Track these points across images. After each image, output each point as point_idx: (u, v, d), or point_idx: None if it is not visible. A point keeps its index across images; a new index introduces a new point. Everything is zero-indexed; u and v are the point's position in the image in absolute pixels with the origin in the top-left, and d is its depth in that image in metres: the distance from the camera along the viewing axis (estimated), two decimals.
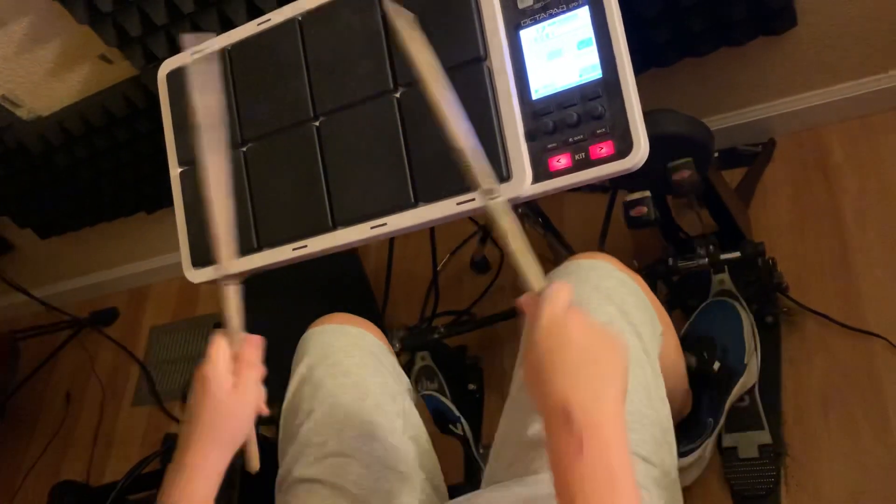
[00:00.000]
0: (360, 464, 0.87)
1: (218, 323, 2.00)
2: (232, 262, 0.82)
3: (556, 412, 0.59)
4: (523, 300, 0.67)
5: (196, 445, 0.74)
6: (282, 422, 0.97)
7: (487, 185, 0.71)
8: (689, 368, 1.14)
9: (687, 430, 1.14)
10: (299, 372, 0.97)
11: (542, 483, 0.76)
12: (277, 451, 0.97)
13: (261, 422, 1.47)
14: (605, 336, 0.63)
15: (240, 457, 0.80)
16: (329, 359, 0.95)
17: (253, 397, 0.78)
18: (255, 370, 0.78)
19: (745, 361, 1.20)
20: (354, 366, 0.95)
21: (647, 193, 1.03)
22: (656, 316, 0.91)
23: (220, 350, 0.78)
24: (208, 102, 0.86)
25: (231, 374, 0.77)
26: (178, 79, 0.99)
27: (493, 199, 0.71)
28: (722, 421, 1.17)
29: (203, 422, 0.75)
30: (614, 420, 0.59)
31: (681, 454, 1.12)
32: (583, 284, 0.88)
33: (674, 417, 1.12)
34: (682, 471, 1.14)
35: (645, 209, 1.04)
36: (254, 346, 0.80)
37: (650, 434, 0.80)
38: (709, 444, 1.15)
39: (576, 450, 0.57)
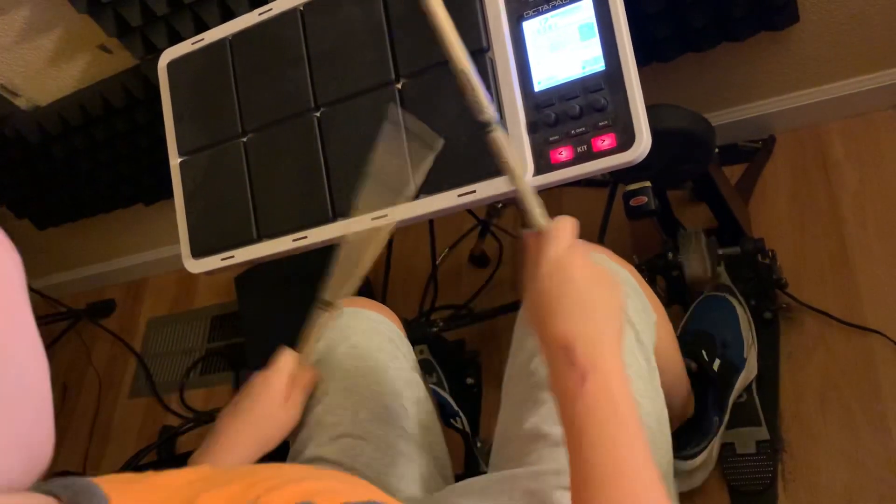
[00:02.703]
0: (372, 447, 0.87)
1: (216, 316, 1.99)
2: (337, 293, 0.88)
3: (557, 348, 0.61)
4: (527, 236, 0.69)
5: (233, 432, 0.83)
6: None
7: (487, 115, 0.73)
8: (689, 371, 1.14)
9: (693, 431, 1.13)
10: (317, 352, 0.97)
11: (542, 474, 0.76)
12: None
13: None
14: (604, 276, 0.66)
15: None
16: (347, 341, 0.96)
17: (298, 412, 0.88)
18: (304, 396, 0.89)
19: (745, 356, 1.20)
20: (373, 350, 0.96)
21: (648, 184, 1.03)
22: (650, 306, 0.91)
23: (287, 365, 0.87)
24: None
25: (285, 388, 0.86)
26: (178, 69, 0.99)
27: (492, 130, 0.73)
28: (726, 419, 1.17)
29: (250, 418, 0.84)
30: (613, 355, 0.62)
31: (689, 456, 1.11)
32: None
33: (677, 419, 1.13)
34: (689, 473, 1.14)
35: (645, 199, 1.04)
36: (312, 377, 0.90)
37: (645, 425, 0.79)
38: (715, 444, 1.15)
39: (578, 383, 0.59)
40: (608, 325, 0.63)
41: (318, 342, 0.91)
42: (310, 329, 0.89)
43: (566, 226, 0.67)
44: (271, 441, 0.85)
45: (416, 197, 0.84)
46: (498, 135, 0.73)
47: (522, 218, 0.71)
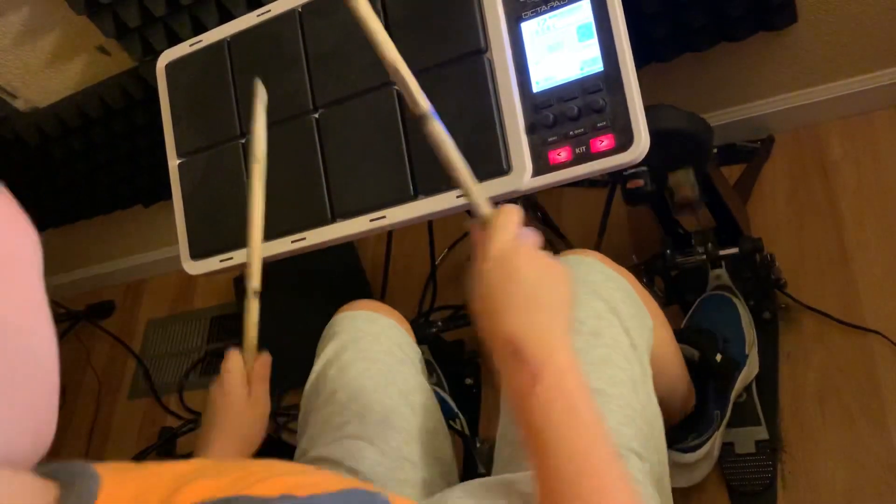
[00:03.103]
0: (377, 450, 0.87)
1: (215, 317, 1.99)
2: (257, 276, 0.87)
3: (506, 348, 0.59)
4: (472, 227, 0.67)
5: (215, 441, 0.82)
6: (303, 401, 0.97)
7: (421, 107, 0.68)
8: (691, 362, 1.14)
9: (694, 424, 1.13)
10: (326, 354, 0.97)
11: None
12: (279, 441, 0.97)
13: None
14: (551, 267, 0.63)
15: None
16: (358, 343, 0.96)
17: (265, 408, 0.87)
18: (266, 384, 0.88)
19: (747, 352, 1.20)
20: (382, 353, 0.95)
21: (644, 168, 1.02)
22: (647, 311, 0.91)
23: (237, 365, 0.86)
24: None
25: (245, 387, 0.86)
26: (176, 70, 0.99)
27: (427, 123, 0.67)
28: (728, 413, 1.17)
29: (224, 430, 0.83)
30: (564, 348, 0.59)
31: (690, 449, 1.11)
32: None
33: (678, 413, 1.13)
34: (691, 466, 1.13)
35: (641, 182, 1.03)
36: (265, 364, 0.88)
37: (639, 428, 0.79)
38: (717, 439, 1.15)
39: (530, 381, 0.57)
40: (556, 318, 0.61)
41: (255, 330, 0.89)
42: (245, 320, 0.88)
43: (510, 216, 0.64)
44: (252, 440, 0.85)
45: (416, 198, 0.84)
46: (433, 126, 0.68)
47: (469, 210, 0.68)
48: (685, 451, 1.11)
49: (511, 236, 0.63)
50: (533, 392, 0.57)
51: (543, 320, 0.60)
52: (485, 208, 0.66)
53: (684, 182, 1.04)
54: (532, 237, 0.64)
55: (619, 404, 0.79)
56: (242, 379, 0.86)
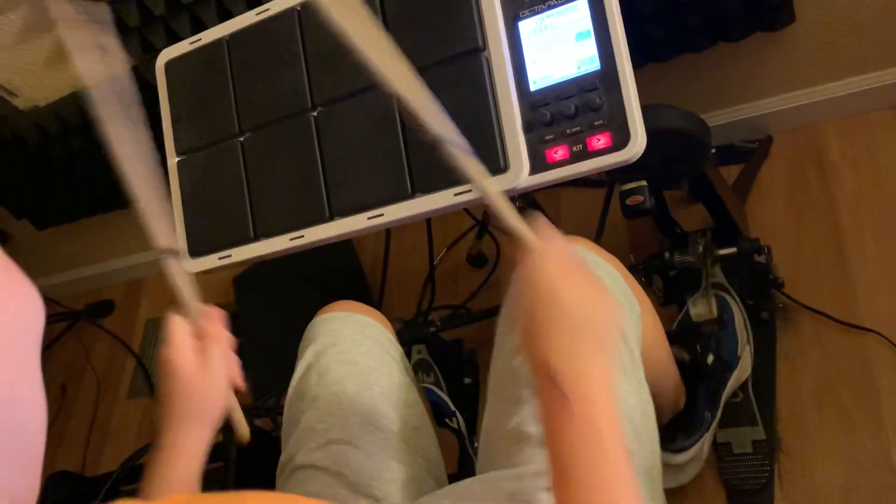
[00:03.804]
0: (362, 452, 0.87)
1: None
2: (165, 235, 0.79)
3: (542, 370, 0.60)
4: (511, 247, 0.66)
5: (171, 428, 0.74)
6: (286, 407, 0.97)
7: (439, 134, 0.66)
8: (682, 363, 1.14)
9: (684, 425, 1.14)
10: (306, 358, 0.97)
11: (524, 476, 0.75)
12: (277, 440, 0.97)
13: (255, 414, 1.47)
14: (598, 296, 0.63)
15: (232, 442, 0.79)
16: (336, 346, 0.95)
17: (222, 370, 0.77)
18: (220, 343, 0.77)
19: (739, 354, 1.21)
20: (362, 354, 0.95)
21: (644, 182, 1.03)
22: (634, 298, 0.90)
23: (178, 330, 0.76)
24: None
25: (195, 352, 0.76)
26: (176, 68, 0.99)
27: (447, 150, 0.66)
28: (718, 415, 1.17)
29: (175, 405, 0.74)
30: (599, 379, 0.59)
31: (679, 450, 1.12)
32: None
33: (668, 410, 1.13)
34: (679, 467, 1.14)
35: (641, 198, 1.04)
36: (214, 319, 0.79)
37: (628, 420, 0.79)
38: (706, 440, 1.15)
39: (561, 407, 0.58)
40: (597, 349, 0.60)
41: (189, 287, 0.81)
42: (173, 282, 0.80)
43: (556, 242, 0.64)
44: (216, 410, 0.77)
45: (414, 196, 0.84)
46: (456, 152, 0.67)
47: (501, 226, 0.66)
48: (674, 451, 1.11)
49: (556, 263, 0.62)
50: (562, 419, 0.58)
51: (583, 350, 0.60)
52: (527, 234, 0.64)
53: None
54: (578, 261, 0.64)
55: None
56: (187, 348, 0.75)
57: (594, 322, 0.61)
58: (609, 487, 0.56)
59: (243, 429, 0.82)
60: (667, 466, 1.12)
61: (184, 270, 0.80)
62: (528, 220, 0.65)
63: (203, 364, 0.75)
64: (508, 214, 0.65)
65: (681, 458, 1.12)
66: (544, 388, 0.60)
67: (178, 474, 0.74)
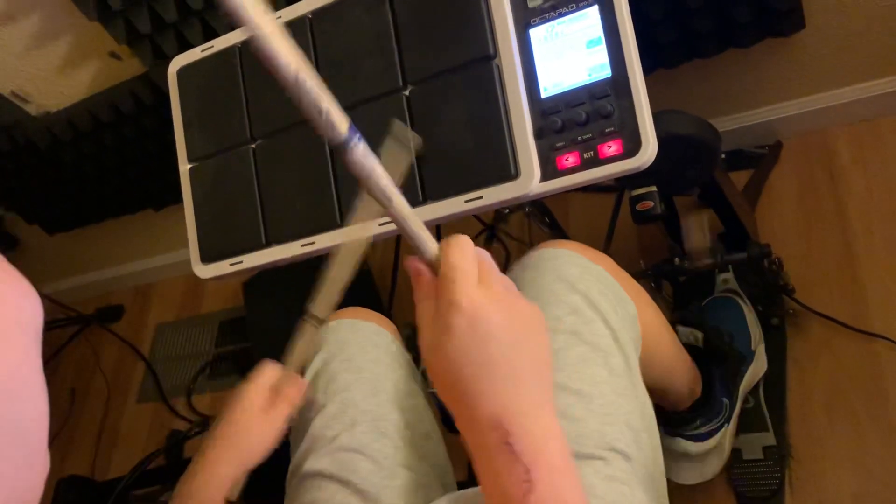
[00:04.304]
0: (370, 460, 0.87)
1: (224, 321, 1.99)
2: (327, 307, 0.81)
3: (489, 433, 0.48)
4: (412, 265, 0.54)
5: (212, 452, 0.80)
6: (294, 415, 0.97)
7: (339, 132, 0.50)
8: (696, 347, 1.12)
9: (703, 409, 1.11)
10: (314, 366, 0.97)
11: None
12: (287, 445, 0.97)
13: None
14: (524, 317, 0.52)
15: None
16: (344, 353, 0.96)
17: (278, 428, 0.82)
18: (287, 407, 0.82)
19: (753, 348, 1.20)
20: (369, 361, 0.96)
21: (654, 188, 1.03)
22: (628, 297, 0.87)
23: (264, 376, 0.82)
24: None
25: (264, 400, 0.81)
26: (187, 75, 1.00)
27: (349, 151, 0.50)
28: (738, 408, 1.15)
29: (224, 434, 0.80)
30: (555, 433, 0.50)
31: (698, 437, 1.10)
32: (545, 275, 0.84)
33: (683, 398, 1.11)
34: (701, 459, 1.12)
35: (651, 203, 1.04)
36: (299, 388, 0.84)
37: (626, 425, 0.76)
38: (727, 432, 1.13)
39: (522, 483, 0.47)
40: (543, 386, 0.51)
41: (304, 356, 0.86)
42: (295, 342, 0.84)
43: (468, 254, 0.51)
44: (253, 455, 0.80)
45: (424, 203, 0.84)
46: (359, 152, 0.51)
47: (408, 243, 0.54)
48: (693, 439, 1.10)
49: (474, 283, 0.50)
50: (527, 499, 0.47)
51: (532, 393, 0.50)
52: (431, 246, 0.53)
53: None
54: (493, 272, 0.53)
55: (601, 403, 0.76)
56: (262, 394, 0.81)
57: (533, 351, 0.52)
58: None
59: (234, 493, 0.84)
60: (687, 457, 1.11)
61: (310, 337, 0.83)
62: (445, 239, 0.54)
63: (266, 412, 0.81)
64: (413, 223, 0.53)
65: (701, 446, 1.09)
66: (494, 456, 0.49)
67: (204, 495, 0.78)
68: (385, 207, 0.51)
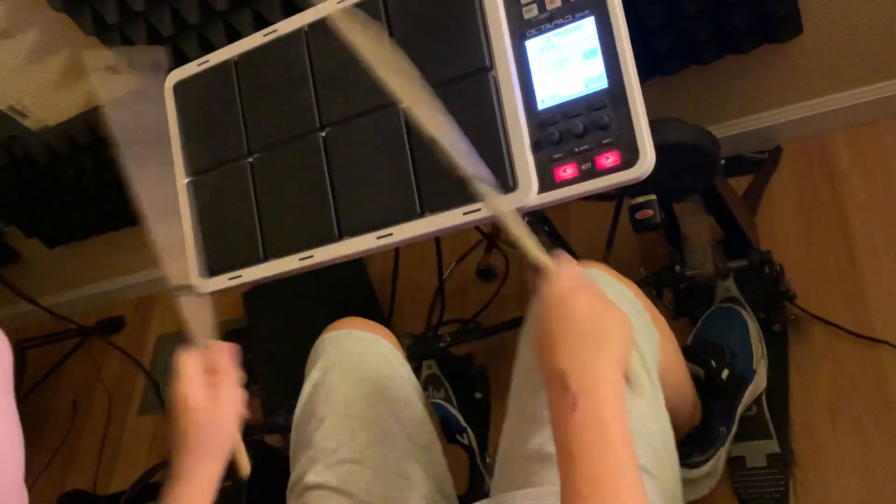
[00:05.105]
0: (371, 471, 0.87)
1: (225, 332, 1.98)
2: (179, 271, 0.82)
3: (554, 378, 0.63)
4: (532, 276, 0.70)
5: (185, 461, 0.76)
6: (294, 426, 0.97)
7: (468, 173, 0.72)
8: (696, 378, 1.14)
9: (699, 440, 1.13)
10: (313, 377, 0.97)
11: (545, 495, 0.75)
12: (288, 458, 0.96)
13: (266, 430, 1.47)
14: (608, 307, 0.66)
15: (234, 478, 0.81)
16: (343, 364, 0.95)
17: (231, 405, 0.79)
18: (229, 377, 0.79)
19: (754, 367, 1.20)
20: (369, 372, 0.95)
21: (653, 197, 1.03)
22: (653, 326, 0.90)
23: (188, 365, 0.78)
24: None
25: (205, 386, 0.77)
26: (184, 90, 1.00)
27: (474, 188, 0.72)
28: (734, 429, 1.16)
29: (188, 438, 0.76)
30: (610, 382, 0.62)
31: (694, 465, 1.11)
32: None
33: (684, 428, 1.12)
34: (694, 482, 1.13)
35: (651, 212, 1.04)
36: (224, 353, 0.80)
37: (649, 444, 0.79)
38: (721, 455, 1.14)
39: (570, 408, 0.61)
40: (605, 353, 0.64)
41: (201, 324, 0.82)
42: (184, 319, 0.81)
43: (572, 264, 0.68)
44: (223, 444, 0.79)
45: (423, 215, 0.84)
46: (484, 189, 0.73)
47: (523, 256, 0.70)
48: (690, 466, 1.10)
49: (570, 282, 0.66)
50: (571, 417, 0.61)
51: (591, 353, 0.63)
52: (544, 259, 0.69)
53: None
54: (592, 283, 0.67)
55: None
56: (198, 378, 0.77)
57: (605, 335, 0.65)
58: (613, 478, 0.59)
59: (245, 465, 0.82)
60: (683, 482, 1.11)
61: (196, 305, 0.81)
62: (551, 251, 0.69)
63: (213, 398, 0.77)
64: (527, 242, 0.69)
65: (696, 472, 1.11)
66: (554, 390, 0.63)
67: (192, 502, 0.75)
68: (507, 232, 0.71)
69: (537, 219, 1.28)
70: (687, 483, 1.13)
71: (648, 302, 0.93)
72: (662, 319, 0.95)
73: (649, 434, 0.80)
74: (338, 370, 0.96)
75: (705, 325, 1.27)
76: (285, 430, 1.46)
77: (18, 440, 0.41)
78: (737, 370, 1.18)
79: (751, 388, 1.18)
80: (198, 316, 0.82)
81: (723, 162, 1.44)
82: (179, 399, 0.77)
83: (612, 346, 0.64)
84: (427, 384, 1.42)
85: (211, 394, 0.77)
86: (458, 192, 0.81)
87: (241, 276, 0.95)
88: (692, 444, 1.13)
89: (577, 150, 0.77)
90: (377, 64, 0.73)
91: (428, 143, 0.69)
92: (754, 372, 1.20)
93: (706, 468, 1.12)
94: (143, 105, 0.82)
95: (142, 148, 0.80)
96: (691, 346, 1.22)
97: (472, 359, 1.53)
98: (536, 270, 0.69)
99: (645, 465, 0.77)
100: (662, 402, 0.85)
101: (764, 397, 1.21)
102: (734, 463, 1.19)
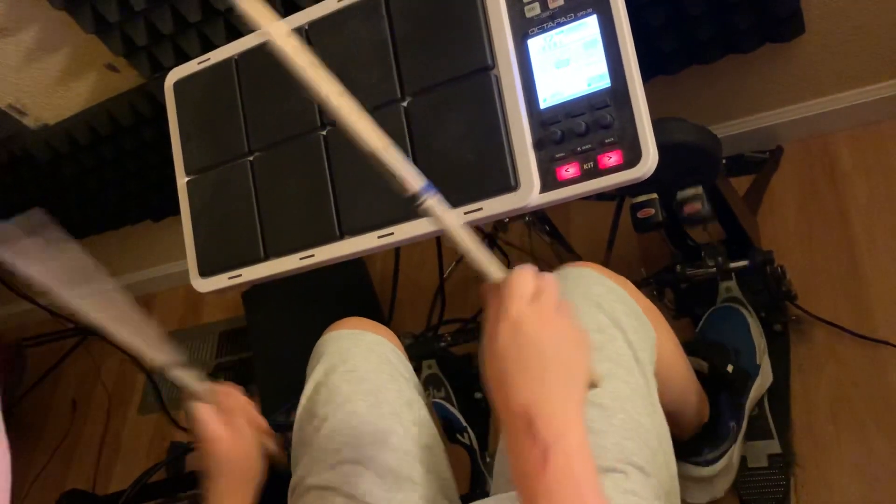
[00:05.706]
0: (373, 472, 0.87)
1: (224, 331, 1.98)
2: (159, 351, 0.83)
3: (517, 418, 0.58)
4: (483, 290, 0.64)
5: (216, 484, 0.82)
6: (296, 427, 0.97)
7: (412, 189, 0.64)
8: (702, 374, 1.13)
9: (709, 437, 1.11)
10: (315, 377, 0.96)
11: None
12: (289, 456, 0.96)
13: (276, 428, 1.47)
14: (568, 332, 0.61)
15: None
16: (346, 364, 0.95)
17: (251, 434, 0.85)
18: (243, 412, 0.85)
19: (758, 362, 1.19)
20: (371, 372, 0.95)
21: (655, 195, 1.03)
22: (648, 322, 0.90)
23: (204, 414, 0.83)
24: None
25: (224, 426, 0.82)
26: (184, 88, 0.99)
27: (420, 203, 0.64)
28: (744, 425, 1.15)
29: (221, 477, 0.82)
30: (577, 427, 0.58)
31: (707, 462, 1.10)
32: (571, 293, 0.87)
33: (692, 425, 1.11)
34: (710, 481, 1.12)
35: (652, 211, 1.03)
36: (231, 394, 0.85)
37: (644, 442, 0.78)
38: (735, 451, 1.13)
39: (540, 460, 0.56)
40: (572, 390, 0.59)
41: (194, 375, 0.84)
42: (183, 385, 0.84)
43: (524, 279, 0.62)
44: (254, 471, 0.84)
45: (423, 215, 0.83)
46: (430, 205, 0.64)
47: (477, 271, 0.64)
48: (703, 464, 1.10)
49: (526, 301, 0.60)
50: (541, 473, 0.56)
51: (559, 393, 0.58)
52: (496, 273, 0.63)
53: (693, 199, 1.04)
54: (549, 297, 0.61)
55: (622, 418, 0.78)
56: (217, 426, 0.82)
57: (569, 361, 0.60)
58: None
59: (280, 456, 0.89)
60: (696, 480, 1.11)
61: (186, 374, 0.83)
62: (508, 265, 0.63)
63: (233, 434, 0.82)
64: (478, 255, 0.63)
65: (709, 470, 1.09)
66: (520, 435, 0.58)
67: None
68: (456, 246, 0.64)
69: (538, 218, 1.28)
70: (703, 482, 1.12)
71: (644, 298, 0.92)
72: (660, 315, 0.94)
73: (645, 432, 0.79)
74: (340, 370, 0.95)
75: (707, 324, 1.26)
76: (285, 429, 1.46)
77: (6, 455, 0.40)
78: (742, 366, 1.18)
79: (758, 382, 1.18)
80: (192, 378, 0.83)
81: (724, 161, 1.44)
82: (205, 447, 0.82)
83: (577, 374, 0.60)
84: (427, 384, 1.42)
85: (231, 432, 0.82)
86: (459, 192, 0.81)
87: (241, 275, 0.94)
88: (702, 441, 1.11)
89: (579, 149, 0.77)
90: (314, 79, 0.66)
91: (368, 160, 0.63)
92: (758, 367, 1.19)
93: (719, 465, 1.10)
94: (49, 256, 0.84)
95: (73, 285, 0.82)
96: (694, 342, 1.21)
97: (472, 359, 1.53)
98: (491, 287, 0.64)
99: (638, 463, 0.76)
100: (657, 398, 0.84)
101: (765, 398, 1.21)
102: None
